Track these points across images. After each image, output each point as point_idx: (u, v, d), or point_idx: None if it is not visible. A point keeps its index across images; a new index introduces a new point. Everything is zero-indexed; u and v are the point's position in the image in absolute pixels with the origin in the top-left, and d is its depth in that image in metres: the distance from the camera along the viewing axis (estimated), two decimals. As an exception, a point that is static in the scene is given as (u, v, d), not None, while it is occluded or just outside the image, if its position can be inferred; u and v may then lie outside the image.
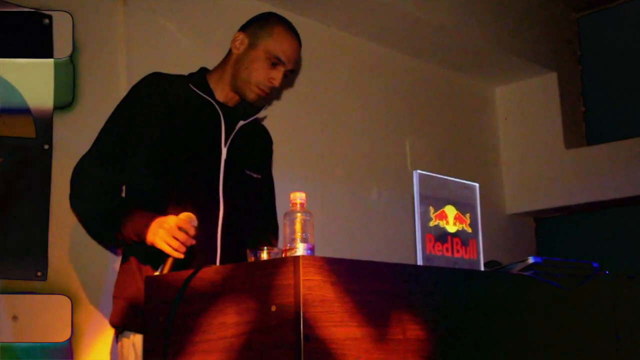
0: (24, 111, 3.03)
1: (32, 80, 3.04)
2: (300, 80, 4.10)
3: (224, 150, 2.55)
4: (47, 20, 3.07)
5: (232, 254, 2.42)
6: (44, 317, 2.98)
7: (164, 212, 2.32)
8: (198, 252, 2.30)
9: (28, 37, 3.05)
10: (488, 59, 4.89)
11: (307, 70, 4.13)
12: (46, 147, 2.99)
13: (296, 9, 4.00)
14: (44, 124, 3.02)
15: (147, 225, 2.25)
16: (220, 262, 2.41)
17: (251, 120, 2.66)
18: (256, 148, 2.72)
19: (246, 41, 2.60)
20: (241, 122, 2.61)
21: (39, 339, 2.96)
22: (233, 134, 2.58)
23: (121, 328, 2.47)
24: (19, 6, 3.06)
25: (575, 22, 5.39)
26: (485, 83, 5.29)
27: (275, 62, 2.54)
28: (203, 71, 2.69)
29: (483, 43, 4.68)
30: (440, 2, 4.37)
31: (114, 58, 3.27)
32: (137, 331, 2.38)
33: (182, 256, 2.16)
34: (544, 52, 5.08)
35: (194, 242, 2.19)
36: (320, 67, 4.24)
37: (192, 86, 2.56)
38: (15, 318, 2.92)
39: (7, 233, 2.90)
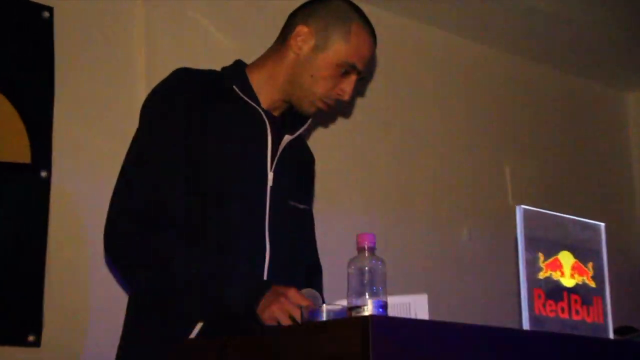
0: (16, 129, 3.13)
1: (26, 88, 3.10)
2: (372, 88, 4.13)
3: (270, 175, 2.55)
4: (46, 14, 3.14)
5: None
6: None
7: (200, 250, 2.38)
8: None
9: (22, 34, 3.09)
10: (619, 59, 4.89)
11: (378, 79, 4.16)
12: (44, 174, 3.06)
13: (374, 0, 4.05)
14: (41, 145, 3.08)
15: (261, 292, 2.24)
16: None
17: (297, 135, 2.66)
18: (301, 170, 2.74)
19: (312, 41, 2.54)
20: (287, 137, 2.60)
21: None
22: (279, 153, 2.57)
23: None
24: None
25: None
26: (614, 89, 5.25)
27: (348, 70, 2.53)
28: (241, 66, 2.65)
29: (615, 39, 4.66)
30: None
31: (131, 59, 3.34)
32: None
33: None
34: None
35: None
36: (396, 70, 4.27)
37: (236, 89, 2.54)
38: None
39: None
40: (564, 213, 2.11)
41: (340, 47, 2.52)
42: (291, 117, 2.65)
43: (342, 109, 4.00)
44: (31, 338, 3.04)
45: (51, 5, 3.14)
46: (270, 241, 2.50)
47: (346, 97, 2.55)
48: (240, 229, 2.47)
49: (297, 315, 2.07)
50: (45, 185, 3.03)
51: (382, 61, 4.20)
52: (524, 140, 4.76)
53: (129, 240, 2.38)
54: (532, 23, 4.45)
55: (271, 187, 2.53)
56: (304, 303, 2.13)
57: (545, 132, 4.87)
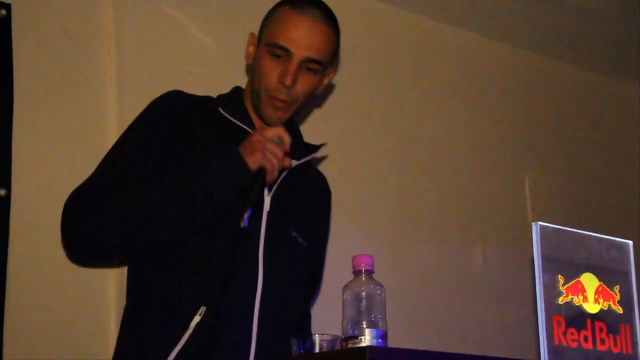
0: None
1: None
2: (375, 93, 4.14)
3: (267, 201, 2.62)
4: (3, 11, 3.14)
5: (271, 341, 2.48)
6: None
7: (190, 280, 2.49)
8: (228, 336, 2.41)
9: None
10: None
11: (381, 78, 4.18)
12: (3, 192, 3.05)
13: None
14: (-1, 161, 3.09)
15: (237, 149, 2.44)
16: (256, 353, 2.45)
17: (305, 163, 2.75)
18: (309, 203, 2.83)
19: (255, 42, 2.72)
20: (293, 162, 2.65)
21: None
22: (281, 178, 2.63)
23: None
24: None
25: None
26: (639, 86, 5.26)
27: (278, 55, 2.60)
28: (237, 90, 2.80)
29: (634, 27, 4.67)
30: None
31: (100, 62, 3.34)
32: None
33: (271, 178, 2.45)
34: None
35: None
36: (402, 74, 4.28)
37: (222, 111, 2.67)
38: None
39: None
40: (589, 230, 2.10)
41: (269, 33, 2.63)
42: (301, 145, 2.78)
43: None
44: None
45: (8, 2, 3.13)
46: (265, 269, 2.56)
47: (288, 82, 2.57)
48: (229, 255, 2.51)
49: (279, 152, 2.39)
50: (4, 204, 3.04)
51: (386, 66, 4.22)
52: (546, 149, 4.77)
53: (88, 198, 2.54)
54: (555, 18, 4.47)
55: (268, 212, 2.61)
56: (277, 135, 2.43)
57: (569, 139, 4.88)
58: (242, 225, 2.31)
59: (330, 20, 2.68)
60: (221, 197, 2.40)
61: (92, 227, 2.53)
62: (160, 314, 2.52)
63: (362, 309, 1.89)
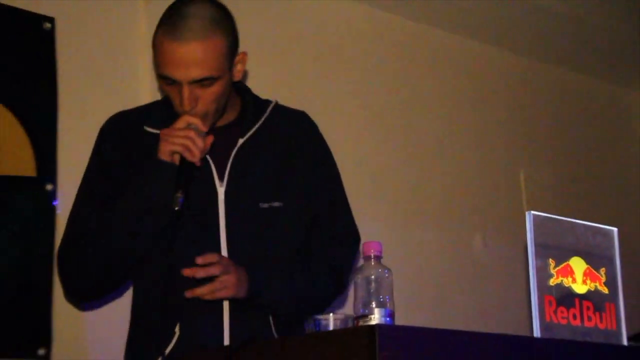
0: (21, 143, 3.13)
1: (29, 101, 3.11)
2: (382, 94, 4.13)
3: (220, 190, 2.48)
4: (48, 24, 3.13)
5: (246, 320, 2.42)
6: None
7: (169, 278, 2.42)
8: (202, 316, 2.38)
9: (23, 45, 3.09)
10: (633, 59, 4.86)
11: (390, 81, 4.17)
12: (49, 187, 3.06)
13: (387, 6, 4.06)
14: (46, 158, 3.09)
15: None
16: (230, 325, 2.41)
17: (270, 122, 2.57)
18: (285, 157, 2.59)
19: None
20: (240, 141, 2.51)
21: None
22: (231, 160, 2.50)
23: None
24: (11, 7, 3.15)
25: None
26: (629, 90, 5.23)
27: (170, 82, 2.37)
28: (161, 101, 2.65)
29: (633, 40, 4.65)
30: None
31: (135, 68, 3.36)
32: None
33: (197, 160, 2.31)
34: None
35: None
36: (406, 75, 4.27)
37: (147, 128, 2.49)
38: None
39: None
40: (579, 218, 2.09)
41: (156, 63, 2.41)
42: (246, 120, 2.57)
43: (351, 115, 3.99)
44: (41, 351, 3.04)
45: (52, 15, 3.14)
46: (230, 252, 2.45)
47: (186, 107, 2.34)
48: (191, 250, 2.38)
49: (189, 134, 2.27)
50: (50, 198, 3.05)
51: (393, 67, 4.20)
52: (539, 145, 4.75)
53: (64, 257, 2.53)
54: (546, 24, 4.46)
55: (226, 198, 2.46)
56: (185, 122, 2.30)
57: (560, 136, 4.86)
58: (176, 207, 2.25)
59: (208, 28, 2.35)
60: (158, 196, 2.31)
61: (77, 283, 2.56)
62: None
63: (372, 291, 1.88)
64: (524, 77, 4.77)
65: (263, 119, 2.56)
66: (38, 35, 3.06)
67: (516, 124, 4.67)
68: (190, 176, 2.32)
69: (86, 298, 2.91)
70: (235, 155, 2.48)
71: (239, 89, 2.62)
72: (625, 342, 2.10)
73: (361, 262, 1.94)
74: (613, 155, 5.15)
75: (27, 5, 3.13)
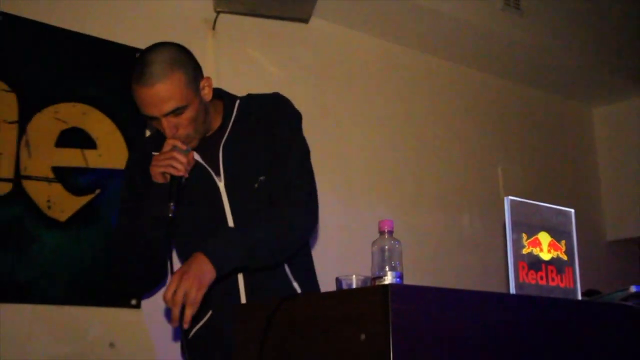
0: (118, 142, 3.14)
1: (123, 108, 3.11)
2: (392, 110, 4.13)
3: (221, 185, 2.36)
4: (137, 54, 3.13)
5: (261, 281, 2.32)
6: (139, 344, 3.06)
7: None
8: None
9: (120, 72, 3.08)
10: (585, 79, 4.82)
11: (397, 98, 4.16)
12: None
13: (382, 34, 4.04)
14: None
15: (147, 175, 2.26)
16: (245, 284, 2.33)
17: (232, 130, 2.40)
18: (260, 141, 2.39)
19: None
20: (221, 142, 2.37)
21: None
22: (221, 158, 2.37)
23: None
24: (100, 39, 3.14)
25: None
26: (583, 104, 5.20)
27: (152, 118, 2.25)
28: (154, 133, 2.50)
29: (581, 62, 4.61)
30: (536, 21, 4.35)
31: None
32: None
33: (182, 173, 2.20)
34: (644, 72, 4.97)
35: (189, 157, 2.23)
36: (409, 94, 4.26)
37: (153, 153, 2.33)
38: (112, 345, 3.00)
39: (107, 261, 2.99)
40: (545, 202, 2.08)
41: (136, 107, 2.27)
42: (223, 129, 2.41)
43: (370, 122, 3.98)
44: (134, 302, 3.07)
45: (136, 46, 3.10)
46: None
47: (168, 136, 2.23)
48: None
49: (174, 155, 2.18)
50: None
51: (399, 88, 4.19)
52: (512, 147, 4.73)
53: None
54: (521, 54, 4.42)
55: (226, 189, 2.35)
56: (169, 146, 2.20)
57: (528, 139, 4.83)
58: (169, 214, 2.17)
59: (167, 69, 2.20)
60: (155, 211, 2.21)
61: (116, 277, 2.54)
62: None
63: (385, 258, 1.87)
64: (502, 96, 4.74)
65: (233, 116, 2.41)
66: (129, 63, 3.05)
67: (495, 131, 4.65)
68: (180, 186, 2.21)
69: (127, 290, 2.90)
70: (223, 154, 2.36)
71: (220, 96, 2.45)
72: (579, 297, 2.09)
73: (377, 235, 1.93)
74: (572, 155, 5.12)
75: (120, 39, 3.15)
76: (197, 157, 2.33)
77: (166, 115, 2.20)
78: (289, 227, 2.29)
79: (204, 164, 2.35)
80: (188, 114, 2.23)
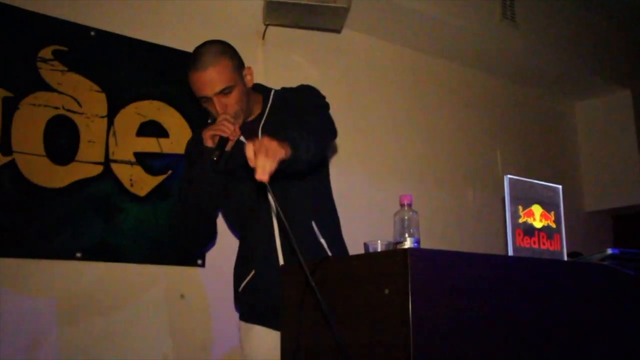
0: (186, 131, 3.13)
1: (189, 101, 3.10)
2: (409, 105, 4.10)
3: None
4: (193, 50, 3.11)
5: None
6: (203, 295, 3.08)
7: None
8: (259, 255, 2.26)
9: (185, 74, 3.10)
10: (570, 78, 4.76)
11: (413, 95, 4.12)
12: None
13: (401, 42, 3.99)
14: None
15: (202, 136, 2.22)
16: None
17: (268, 115, 2.34)
18: (290, 124, 2.26)
19: None
20: (260, 124, 2.32)
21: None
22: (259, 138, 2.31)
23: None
24: (158, 46, 3.13)
25: (646, 45, 5.16)
26: (567, 99, 5.14)
27: (205, 100, 2.24)
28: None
29: (566, 64, 4.55)
30: (528, 30, 4.28)
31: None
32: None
33: (228, 135, 2.15)
34: (620, 72, 4.89)
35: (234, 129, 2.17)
36: (423, 92, 4.22)
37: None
38: (182, 296, 3.02)
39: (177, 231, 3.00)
40: (535, 180, 2.05)
41: (193, 93, 2.26)
42: (262, 115, 2.37)
43: (392, 117, 3.95)
44: (199, 262, 3.08)
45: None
46: (276, 201, 2.20)
47: (219, 111, 2.22)
48: (254, 211, 2.29)
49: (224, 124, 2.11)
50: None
51: (417, 89, 4.15)
52: (509, 134, 4.67)
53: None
54: (516, 58, 4.36)
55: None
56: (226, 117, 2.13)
57: (522, 128, 4.78)
58: (214, 158, 2.12)
59: (216, 56, 2.21)
60: (206, 160, 2.19)
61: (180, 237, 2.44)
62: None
63: (405, 226, 1.86)
64: (500, 93, 4.68)
65: (269, 103, 2.38)
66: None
67: (494, 122, 4.59)
68: (225, 145, 2.16)
69: (188, 247, 2.84)
70: (261, 135, 2.30)
71: (259, 90, 2.42)
72: (565, 258, 2.07)
73: (399, 207, 1.91)
74: (558, 141, 5.05)
75: (178, 46, 3.11)
76: (241, 138, 2.31)
77: (217, 94, 2.19)
78: (325, 133, 2.23)
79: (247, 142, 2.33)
80: (234, 94, 2.22)
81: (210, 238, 2.44)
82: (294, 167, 1.96)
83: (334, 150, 3.59)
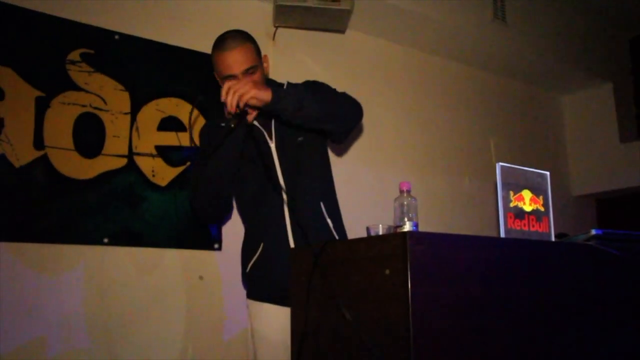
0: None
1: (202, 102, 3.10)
2: (408, 99, 4.07)
3: (272, 146, 2.29)
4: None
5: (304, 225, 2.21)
6: (220, 277, 3.07)
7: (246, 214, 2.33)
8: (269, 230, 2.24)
9: (200, 73, 3.04)
10: (557, 73, 4.72)
11: (413, 90, 4.09)
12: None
13: (401, 41, 3.95)
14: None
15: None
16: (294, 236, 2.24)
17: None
18: None
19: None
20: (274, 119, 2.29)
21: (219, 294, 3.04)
22: (273, 126, 2.29)
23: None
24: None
25: (627, 42, 5.10)
26: (554, 92, 5.11)
27: (226, 78, 2.21)
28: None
29: (553, 60, 4.51)
30: (518, 29, 4.24)
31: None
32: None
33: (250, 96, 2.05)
34: (603, 67, 4.86)
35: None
36: (422, 86, 4.19)
37: (220, 123, 2.27)
38: (201, 277, 3.02)
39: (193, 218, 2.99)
40: (525, 167, 2.03)
41: (218, 70, 2.23)
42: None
43: (391, 108, 3.91)
44: (216, 245, 3.07)
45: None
46: (286, 183, 2.26)
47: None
48: (262, 189, 2.26)
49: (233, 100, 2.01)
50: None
51: (416, 83, 4.11)
52: (501, 125, 4.64)
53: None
54: (506, 55, 4.31)
55: (276, 149, 2.28)
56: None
57: (514, 119, 4.74)
58: (232, 125, 2.05)
59: (242, 40, 2.22)
60: (227, 127, 2.10)
61: (200, 212, 2.33)
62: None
63: (404, 211, 1.84)
64: (492, 87, 4.64)
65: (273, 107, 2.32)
66: (206, 66, 3.05)
67: (487, 114, 4.56)
68: (243, 115, 2.10)
69: (207, 220, 2.77)
70: (274, 121, 2.31)
71: (272, 84, 2.38)
72: (553, 238, 2.04)
73: (398, 193, 1.89)
74: (547, 131, 5.01)
75: (194, 47, 3.09)
76: (256, 123, 2.29)
77: (243, 72, 2.18)
78: (335, 98, 2.25)
79: (262, 128, 2.31)
80: (258, 74, 2.22)
81: (226, 208, 2.35)
82: (285, 115, 2.07)
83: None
